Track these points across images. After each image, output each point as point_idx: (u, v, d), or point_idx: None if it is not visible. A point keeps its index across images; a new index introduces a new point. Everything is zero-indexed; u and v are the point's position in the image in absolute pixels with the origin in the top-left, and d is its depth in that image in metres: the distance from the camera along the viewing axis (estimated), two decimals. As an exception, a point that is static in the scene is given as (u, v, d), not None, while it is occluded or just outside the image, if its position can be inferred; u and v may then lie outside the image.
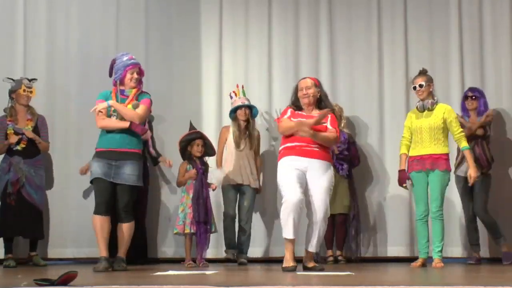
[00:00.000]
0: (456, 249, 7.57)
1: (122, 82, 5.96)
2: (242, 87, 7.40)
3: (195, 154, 6.70)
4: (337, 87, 7.85)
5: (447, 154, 6.39)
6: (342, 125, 7.33)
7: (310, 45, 7.92)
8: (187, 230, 6.59)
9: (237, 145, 7.12)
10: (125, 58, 6.00)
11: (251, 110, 7.25)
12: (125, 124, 5.83)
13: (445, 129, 6.41)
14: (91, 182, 5.94)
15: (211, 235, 6.92)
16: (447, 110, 6.43)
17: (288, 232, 5.63)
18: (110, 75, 6.05)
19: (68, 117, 7.66)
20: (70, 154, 7.63)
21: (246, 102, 7.23)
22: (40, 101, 7.58)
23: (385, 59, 7.88)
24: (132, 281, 4.46)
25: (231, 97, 7.37)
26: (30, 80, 7.03)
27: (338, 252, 7.36)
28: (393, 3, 7.94)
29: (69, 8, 7.88)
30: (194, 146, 6.70)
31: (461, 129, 6.42)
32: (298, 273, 5.46)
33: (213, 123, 7.75)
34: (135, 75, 5.96)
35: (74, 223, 7.54)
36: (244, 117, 7.18)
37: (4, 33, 7.75)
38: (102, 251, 5.88)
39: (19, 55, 7.70)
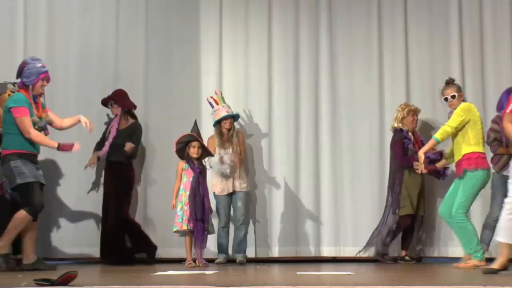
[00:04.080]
0: (457, 249, 7.54)
1: (32, 88, 6.13)
2: (221, 93, 7.43)
3: (192, 155, 6.77)
4: (337, 87, 7.83)
5: (470, 153, 6.25)
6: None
7: (310, 45, 7.89)
8: (185, 227, 6.64)
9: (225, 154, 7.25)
10: (38, 65, 6.17)
11: (233, 117, 7.34)
12: (54, 145, 6.13)
13: (463, 130, 6.28)
14: (23, 184, 5.96)
15: (210, 235, 6.93)
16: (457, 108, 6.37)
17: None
18: (18, 77, 6.16)
19: (68, 117, 7.64)
20: (70, 153, 7.61)
21: (230, 112, 7.31)
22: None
23: (385, 59, 7.85)
24: (132, 281, 4.46)
25: (212, 105, 7.39)
26: (14, 85, 7.01)
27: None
28: (393, 3, 7.92)
29: (69, 8, 7.87)
30: (191, 148, 6.77)
31: (450, 124, 6.24)
32: (298, 273, 5.46)
33: (212, 123, 7.73)
34: (45, 83, 6.18)
35: (74, 223, 7.54)
36: (229, 126, 7.30)
37: (4, 33, 7.74)
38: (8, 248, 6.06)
39: (19, 55, 7.68)
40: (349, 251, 7.62)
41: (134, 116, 7.48)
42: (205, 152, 6.88)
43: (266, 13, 7.95)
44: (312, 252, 7.64)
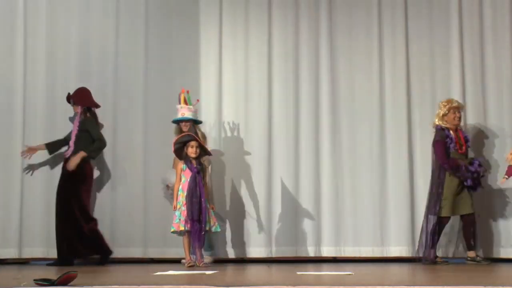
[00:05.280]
0: (457, 249, 7.55)
1: None
2: (188, 92, 7.30)
3: (190, 155, 6.78)
4: (337, 88, 7.82)
5: None
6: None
7: (310, 47, 7.88)
8: (181, 228, 6.65)
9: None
10: None
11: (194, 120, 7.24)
12: None
13: None
14: None
15: (211, 234, 6.97)
16: None
17: None
18: None
19: (68, 117, 7.64)
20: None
21: (187, 115, 7.19)
22: (40, 101, 7.58)
23: (386, 60, 7.82)
24: (132, 281, 4.46)
25: (179, 100, 7.28)
26: None
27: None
28: (393, 5, 7.92)
29: (69, 8, 7.86)
30: (189, 147, 6.78)
31: None
32: (298, 273, 5.45)
33: (212, 124, 7.75)
34: None
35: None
36: (186, 129, 7.19)
37: (4, 33, 7.74)
38: None
39: (19, 55, 7.69)
40: (349, 251, 7.62)
41: (94, 115, 7.38)
42: (203, 151, 6.89)
43: (266, 14, 7.94)
44: (312, 252, 7.64)
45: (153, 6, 7.93)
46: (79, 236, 7.10)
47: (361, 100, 7.81)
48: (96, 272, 5.70)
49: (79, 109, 7.32)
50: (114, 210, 7.59)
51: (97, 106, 7.40)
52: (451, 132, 7.11)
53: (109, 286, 4.02)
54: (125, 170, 7.63)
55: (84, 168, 7.21)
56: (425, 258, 7.01)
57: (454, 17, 7.81)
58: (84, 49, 7.81)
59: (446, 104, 7.16)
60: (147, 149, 7.74)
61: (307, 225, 7.68)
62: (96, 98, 7.58)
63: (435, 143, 7.14)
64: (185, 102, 7.26)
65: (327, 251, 7.64)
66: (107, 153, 7.60)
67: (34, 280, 4.13)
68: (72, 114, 7.61)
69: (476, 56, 7.77)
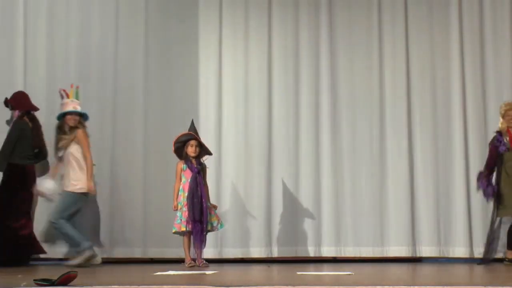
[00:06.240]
0: (457, 249, 7.55)
1: None
2: (77, 87, 7.17)
3: (190, 154, 6.78)
4: (337, 87, 7.83)
5: None
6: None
7: (310, 47, 7.89)
8: (183, 228, 6.65)
9: (60, 150, 7.00)
10: None
11: (81, 115, 7.07)
12: None
13: None
14: None
15: (213, 233, 6.98)
16: None
17: None
18: None
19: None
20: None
21: (78, 108, 7.05)
22: (40, 102, 7.56)
23: (386, 61, 7.84)
24: (132, 281, 4.47)
25: (62, 97, 7.11)
26: None
27: None
28: (393, 5, 7.93)
29: (69, 8, 7.86)
30: (189, 146, 6.79)
31: None
32: (298, 273, 5.46)
33: (212, 124, 7.74)
34: None
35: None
36: (74, 123, 7.01)
37: (4, 33, 7.74)
38: None
39: (19, 55, 7.68)
40: (349, 251, 7.63)
41: (32, 118, 7.22)
42: (203, 151, 6.88)
43: (266, 13, 7.95)
44: (312, 252, 7.65)
45: (152, 7, 7.94)
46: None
47: (361, 100, 7.82)
48: (96, 272, 5.71)
49: (17, 113, 7.19)
50: (114, 210, 7.59)
51: (36, 109, 7.26)
52: (504, 135, 7.10)
53: (109, 286, 4.02)
54: (125, 170, 7.62)
55: (13, 171, 7.04)
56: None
57: (454, 17, 7.84)
58: (84, 49, 7.80)
59: (503, 105, 7.19)
60: (147, 149, 7.74)
61: (307, 225, 7.68)
62: (95, 98, 7.58)
63: (489, 146, 7.24)
64: (71, 96, 7.08)
65: (327, 251, 7.64)
66: (107, 153, 7.60)
67: (34, 280, 4.14)
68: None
69: (476, 56, 7.79)
